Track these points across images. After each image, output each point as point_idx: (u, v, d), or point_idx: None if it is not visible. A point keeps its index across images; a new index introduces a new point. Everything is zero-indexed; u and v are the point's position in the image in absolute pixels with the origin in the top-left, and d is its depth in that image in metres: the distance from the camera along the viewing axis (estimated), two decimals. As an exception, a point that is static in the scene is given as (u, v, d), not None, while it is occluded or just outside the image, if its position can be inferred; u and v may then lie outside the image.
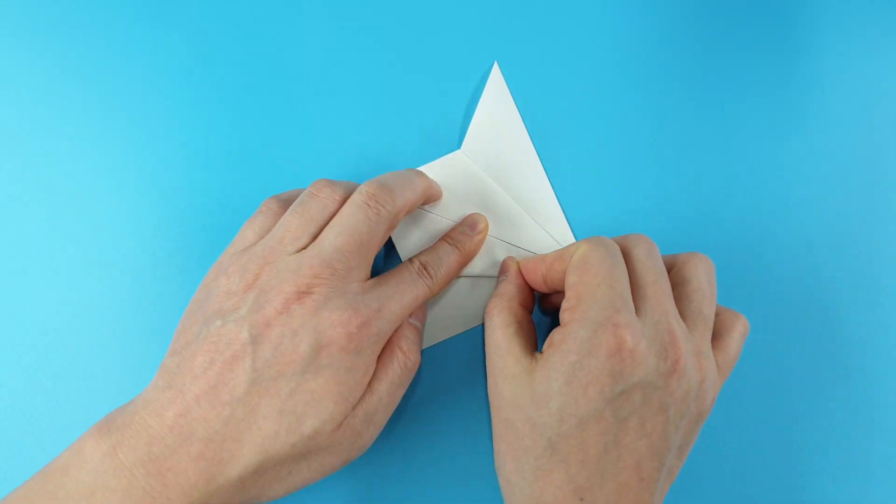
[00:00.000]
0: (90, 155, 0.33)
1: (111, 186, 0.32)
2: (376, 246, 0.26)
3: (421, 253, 0.29)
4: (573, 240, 0.33)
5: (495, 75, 0.34)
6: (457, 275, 0.30)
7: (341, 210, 0.26)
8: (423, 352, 0.32)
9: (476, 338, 0.32)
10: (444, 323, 0.32)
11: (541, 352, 0.26)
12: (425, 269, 0.28)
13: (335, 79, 0.34)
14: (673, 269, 0.28)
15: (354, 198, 0.26)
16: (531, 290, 0.29)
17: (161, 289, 0.32)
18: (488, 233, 0.32)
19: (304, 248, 0.25)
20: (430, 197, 0.30)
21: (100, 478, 0.23)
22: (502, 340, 0.26)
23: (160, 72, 0.33)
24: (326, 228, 0.26)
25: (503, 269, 0.30)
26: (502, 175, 0.33)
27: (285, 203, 0.28)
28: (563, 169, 0.34)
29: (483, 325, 0.31)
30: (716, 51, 0.35)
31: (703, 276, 0.27)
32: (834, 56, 0.36)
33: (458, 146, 0.33)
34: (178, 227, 0.32)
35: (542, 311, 0.32)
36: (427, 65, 0.34)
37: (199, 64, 0.33)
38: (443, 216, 0.32)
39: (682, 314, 0.26)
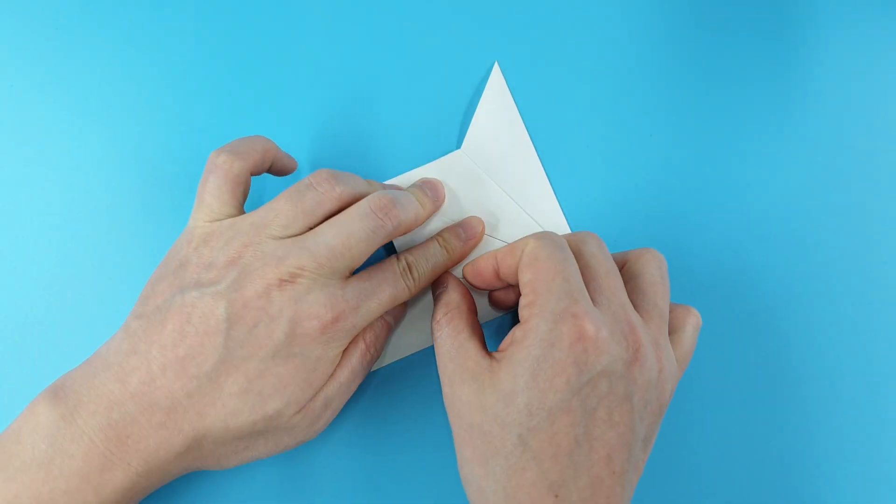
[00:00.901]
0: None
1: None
2: (367, 254, 0.26)
3: (409, 251, 0.29)
4: (573, 239, 0.33)
5: (495, 75, 0.34)
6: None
7: (347, 211, 0.26)
8: (420, 353, 0.32)
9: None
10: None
11: (494, 352, 0.26)
12: (409, 269, 0.28)
13: (335, 79, 0.34)
14: (625, 266, 0.28)
15: (363, 205, 0.26)
16: (471, 297, 0.29)
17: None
18: (490, 233, 0.32)
19: (292, 236, 0.25)
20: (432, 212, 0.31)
21: (57, 444, 0.23)
22: (458, 347, 0.26)
23: (153, 65, 0.33)
24: (326, 225, 0.26)
25: (439, 282, 0.30)
26: (502, 175, 0.33)
27: (233, 155, 0.27)
28: (563, 169, 0.34)
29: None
30: (715, 50, 0.35)
31: (655, 271, 0.27)
32: (833, 52, 0.36)
33: (458, 146, 0.33)
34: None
35: (493, 306, 0.32)
36: (427, 65, 0.34)
37: (197, 60, 0.33)
38: (442, 215, 0.32)
39: (637, 307, 0.26)
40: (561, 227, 0.33)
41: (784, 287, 0.34)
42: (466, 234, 0.30)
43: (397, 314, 0.30)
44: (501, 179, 0.33)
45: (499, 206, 0.32)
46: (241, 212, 0.27)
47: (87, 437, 0.23)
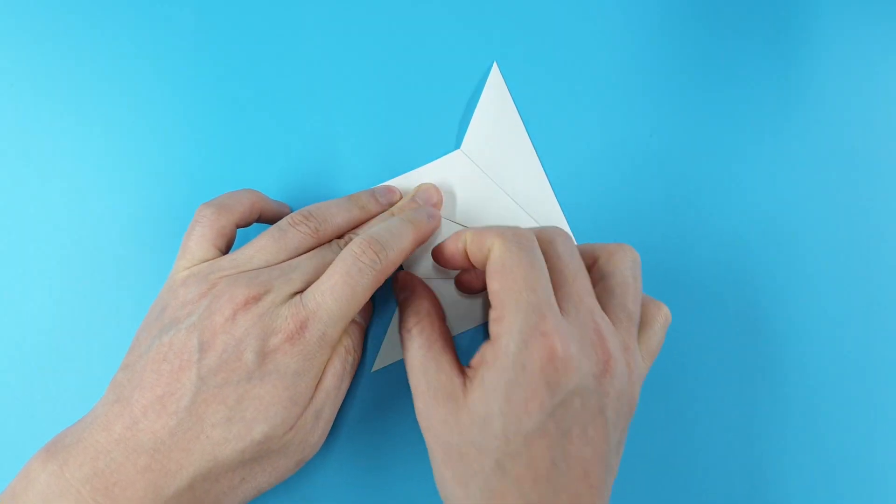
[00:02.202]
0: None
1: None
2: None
3: (368, 227, 0.28)
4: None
5: (494, 75, 0.34)
6: (410, 255, 0.27)
7: (331, 269, 0.25)
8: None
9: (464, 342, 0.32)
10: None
11: (468, 366, 0.25)
12: (370, 246, 0.25)
13: (334, 79, 0.34)
14: (596, 263, 0.27)
15: (346, 253, 0.25)
16: (439, 302, 0.28)
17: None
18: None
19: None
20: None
21: (47, 500, 0.22)
22: (430, 360, 0.25)
23: (147, 63, 0.33)
24: (318, 279, 0.25)
25: (402, 285, 0.29)
26: (501, 175, 0.33)
27: (219, 209, 0.27)
28: (562, 169, 0.34)
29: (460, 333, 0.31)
30: (715, 50, 0.35)
31: (627, 270, 0.26)
32: (834, 52, 0.36)
33: (458, 146, 0.33)
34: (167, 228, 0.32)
35: (459, 290, 0.31)
36: (426, 65, 0.34)
37: (194, 61, 0.33)
38: (441, 216, 0.32)
39: (606, 309, 0.25)
40: (561, 227, 0.33)
41: (783, 287, 0.34)
42: (427, 203, 0.31)
43: (365, 314, 0.29)
44: (501, 179, 0.33)
45: (498, 206, 0.32)
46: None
47: (74, 489, 0.22)
